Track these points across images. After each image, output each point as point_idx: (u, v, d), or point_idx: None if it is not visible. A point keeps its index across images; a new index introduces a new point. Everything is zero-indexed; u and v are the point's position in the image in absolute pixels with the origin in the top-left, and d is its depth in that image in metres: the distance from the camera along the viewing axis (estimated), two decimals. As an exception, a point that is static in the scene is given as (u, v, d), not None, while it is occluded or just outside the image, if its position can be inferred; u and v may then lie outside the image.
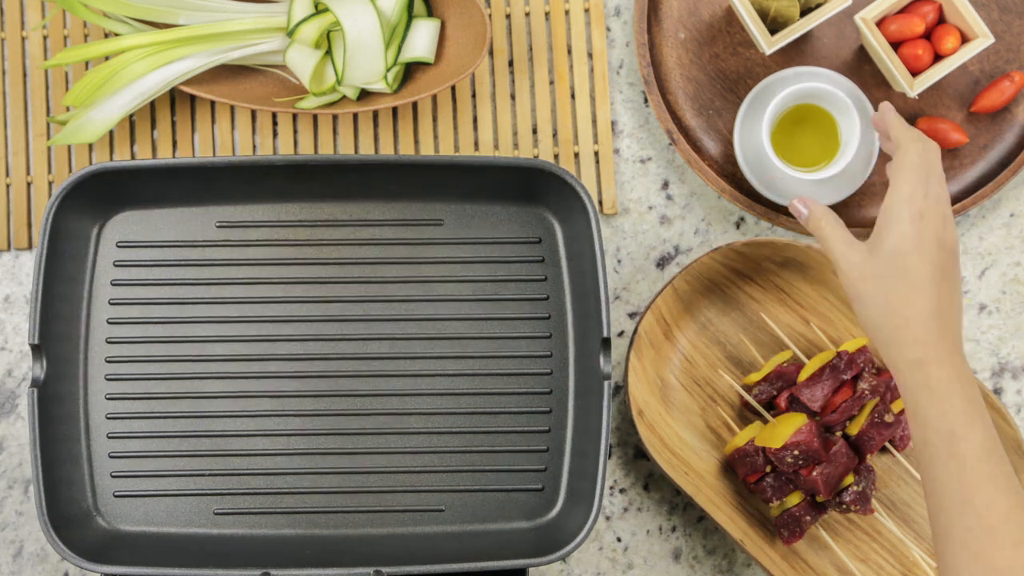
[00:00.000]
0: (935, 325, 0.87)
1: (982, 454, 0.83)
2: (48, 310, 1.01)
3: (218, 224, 1.07)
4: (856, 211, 1.11)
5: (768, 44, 1.06)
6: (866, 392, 1.01)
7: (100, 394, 1.05)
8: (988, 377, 1.11)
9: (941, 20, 1.07)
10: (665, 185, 1.13)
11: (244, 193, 1.06)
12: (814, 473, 0.99)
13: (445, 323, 1.06)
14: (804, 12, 1.07)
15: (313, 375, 1.06)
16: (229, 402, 1.05)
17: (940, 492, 0.84)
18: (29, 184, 1.11)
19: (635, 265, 1.11)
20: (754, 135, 1.09)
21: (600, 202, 1.12)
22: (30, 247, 1.11)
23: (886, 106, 0.96)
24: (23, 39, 1.13)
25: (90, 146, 1.12)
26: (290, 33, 1.06)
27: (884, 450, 1.07)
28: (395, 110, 1.12)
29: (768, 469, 1.03)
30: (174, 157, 1.12)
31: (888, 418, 1.02)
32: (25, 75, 1.12)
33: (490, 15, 1.12)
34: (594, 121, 1.12)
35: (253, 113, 1.12)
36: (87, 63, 1.11)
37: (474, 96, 1.13)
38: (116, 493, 1.04)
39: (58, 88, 1.12)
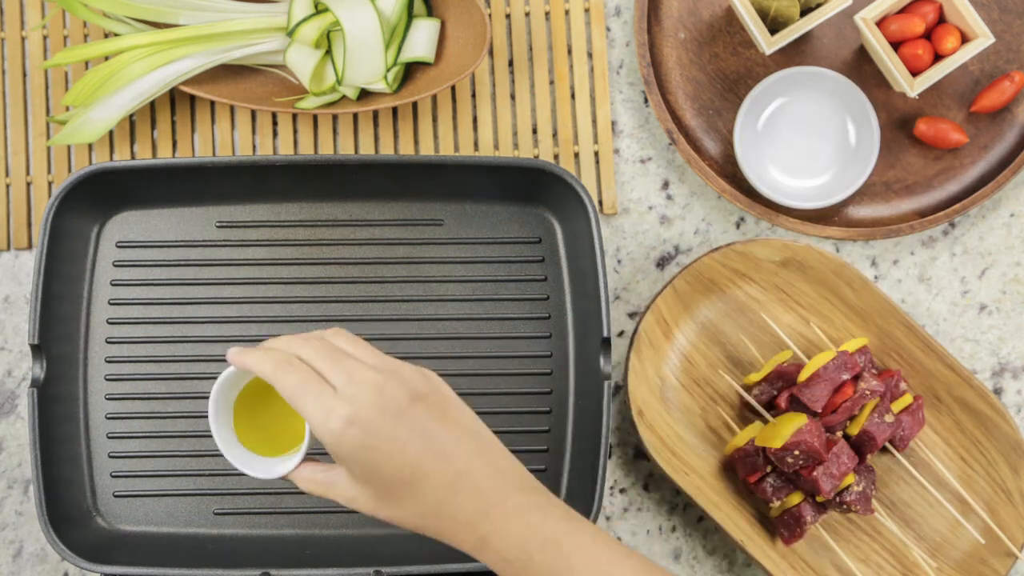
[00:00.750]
0: (483, 483, 0.77)
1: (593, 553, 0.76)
2: (48, 310, 1.01)
3: (218, 224, 1.07)
4: (855, 211, 1.11)
5: (768, 44, 1.06)
6: (866, 392, 1.01)
7: (100, 394, 1.05)
8: (988, 377, 1.11)
9: (941, 20, 1.07)
10: (665, 185, 1.13)
11: (244, 193, 1.06)
12: (814, 473, 0.99)
13: (445, 323, 1.06)
14: (804, 12, 1.07)
15: (313, 375, 1.06)
16: (229, 402, 1.05)
17: None
18: (29, 184, 1.11)
19: (635, 265, 1.11)
20: (754, 135, 1.09)
21: (600, 202, 1.12)
22: (30, 247, 1.11)
23: (232, 356, 0.81)
24: (23, 39, 1.12)
25: (90, 146, 1.12)
26: (290, 33, 1.06)
27: (884, 450, 1.07)
28: (395, 110, 1.12)
29: (768, 469, 1.03)
30: (174, 157, 1.11)
31: (888, 418, 1.02)
32: (25, 75, 1.12)
33: (490, 15, 1.12)
34: (594, 121, 1.12)
35: (253, 113, 1.12)
36: (87, 63, 1.11)
37: (474, 96, 1.13)
38: (116, 493, 1.04)
39: (58, 88, 1.12)
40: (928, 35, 1.07)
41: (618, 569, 0.76)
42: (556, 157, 1.12)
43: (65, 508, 1.00)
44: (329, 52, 1.07)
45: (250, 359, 0.79)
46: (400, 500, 0.77)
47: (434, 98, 1.12)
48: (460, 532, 0.78)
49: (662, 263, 1.12)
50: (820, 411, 1.02)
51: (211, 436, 1.04)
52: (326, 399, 0.76)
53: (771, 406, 1.05)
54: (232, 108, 1.12)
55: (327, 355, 0.78)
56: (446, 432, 0.77)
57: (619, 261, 1.11)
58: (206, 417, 1.04)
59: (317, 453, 0.81)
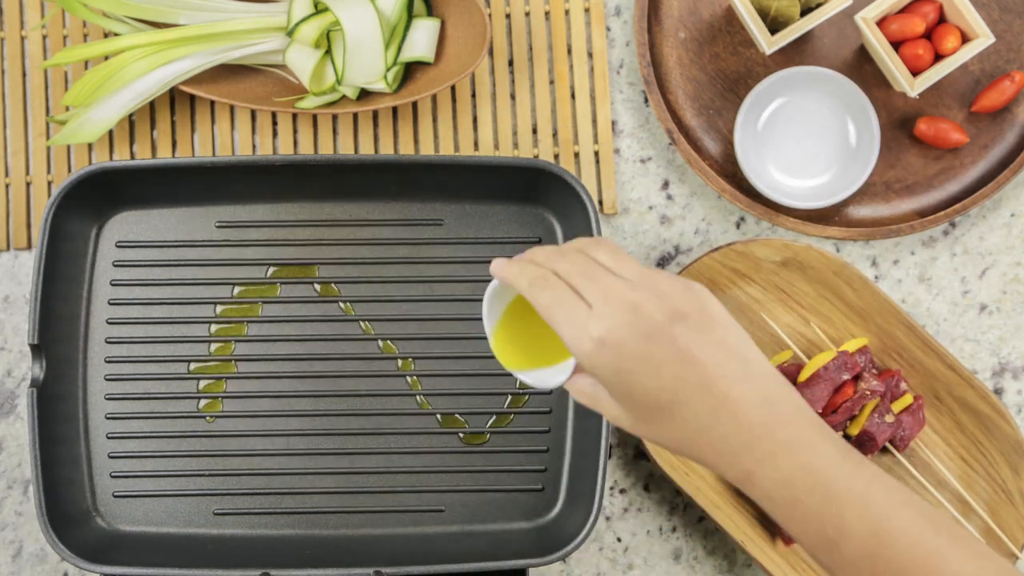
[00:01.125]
0: (754, 411, 0.71)
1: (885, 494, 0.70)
2: (47, 310, 1.00)
3: (218, 224, 1.07)
4: (855, 211, 1.11)
5: (768, 44, 1.06)
6: (867, 392, 1.01)
7: (100, 394, 1.05)
8: (989, 377, 1.11)
9: (942, 20, 1.07)
10: (665, 185, 1.12)
11: (244, 193, 1.06)
12: (814, 473, 0.99)
13: (445, 323, 1.06)
14: (804, 12, 1.07)
15: (313, 375, 1.06)
16: (229, 402, 1.05)
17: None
18: (28, 184, 1.11)
19: (635, 265, 1.11)
20: (754, 135, 1.09)
21: (600, 202, 1.12)
22: (29, 247, 1.10)
23: (495, 267, 0.80)
24: (22, 39, 1.12)
25: (89, 146, 1.12)
26: (290, 33, 1.06)
27: (885, 450, 1.07)
28: (395, 110, 1.12)
29: (768, 469, 1.03)
30: (174, 157, 1.11)
31: (888, 418, 1.02)
32: (24, 75, 1.12)
33: (490, 15, 1.12)
34: (594, 121, 1.12)
35: (253, 113, 1.12)
36: (86, 63, 1.11)
37: (474, 96, 1.13)
38: (116, 493, 1.04)
39: (57, 88, 1.12)
40: (928, 35, 1.07)
41: (892, 521, 0.70)
42: (556, 157, 1.12)
43: (65, 508, 1.00)
44: (329, 52, 1.07)
45: (508, 273, 0.77)
46: (659, 423, 0.73)
47: (434, 98, 1.12)
48: (722, 463, 0.73)
49: (662, 263, 1.12)
50: (820, 411, 1.01)
51: (211, 436, 1.05)
52: (579, 318, 0.72)
53: (771, 406, 1.05)
54: (232, 108, 1.12)
55: (584, 270, 0.74)
56: (707, 355, 0.71)
57: (619, 261, 1.11)
58: (206, 417, 1.05)
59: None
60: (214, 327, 1.06)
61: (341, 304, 1.07)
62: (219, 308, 1.06)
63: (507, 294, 0.82)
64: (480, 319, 1.06)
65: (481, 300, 1.06)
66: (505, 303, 0.83)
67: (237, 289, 1.07)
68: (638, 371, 0.72)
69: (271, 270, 1.07)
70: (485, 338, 1.05)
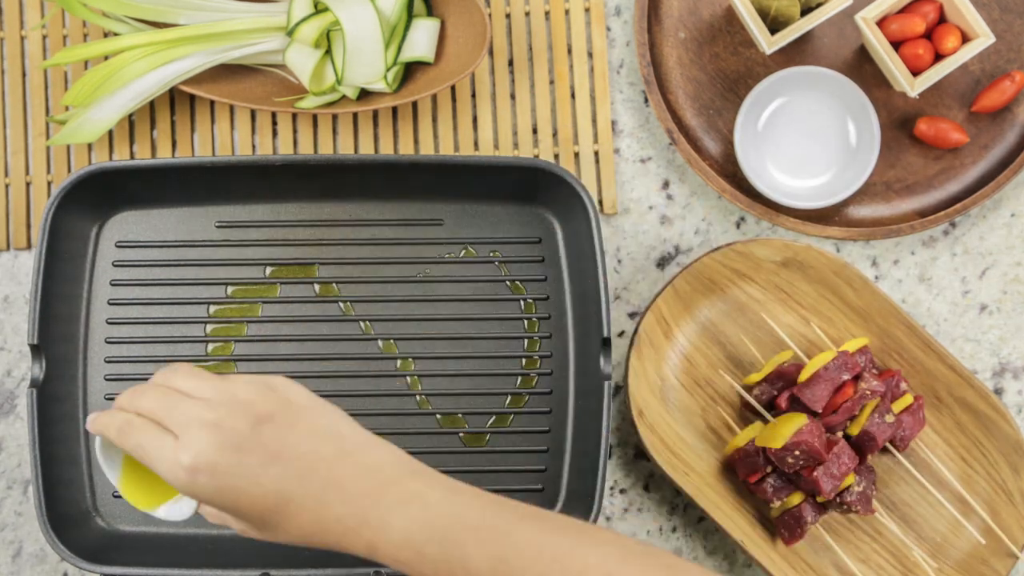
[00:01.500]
0: (329, 515, 0.73)
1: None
2: (47, 310, 1.00)
3: (217, 224, 1.07)
4: (855, 211, 1.11)
5: (768, 44, 1.06)
6: (867, 392, 1.01)
7: (99, 394, 1.04)
8: (989, 377, 1.11)
9: (942, 19, 1.07)
10: (665, 185, 1.12)
11: (244, 193, 1.06)
12: (815, 473, 0.99)
13: (445, 323, 1.06)
14: (804, 11, 1.07)
15: (313, 375, 1.05)
16: (229, 402, 1.05)
17: None
18: (28, 184, 1.11)
19: (635, 265, 1.11)
20: (755, 135, 1.09)
21: (600, 202, 1.11)
22: (29, 247, 1.10)
23: (90, 424, 0.80)
24: (22, 39, 1.12)
25: (89, 146, 1.12)
26: (290, 33, 1.06)
27: (885, 450, 1.07)
28: (395, 110, 1.12)
29: (769, 469, 1.03)
30: (173, 157, 1.11)
31: (889, 418, 1.02)
32: (24, 75, 1.12)
33: (490, 15, 1.12)
34: (594, 121, 1.12)
35: (252, 113, 1.12)
36: (86, 63, 1.11)
37: (474, 96, 1.13)
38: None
39: (57, 88, 1.12)
40: (929, 35, 1.07)
41: (513, 536, 0.71)
42: (556, 157, 1.12)
43: (64, 508, 1.00)
44: (329, 52, 1.07)
45: (99, 425, 0.78)
46: (278, 527, 0.75)
47: (434, 98, 1.12)
48: (346, 542, 0.74)
49: (662, 263, 1.12)
50: (820, 411, 1.01)
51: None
52: (167, 452, 0.73)
53: (771, 406, 1.05)
54: (232, 108, 1.12)
55: (163, 403, 0.75)
56: (300, 446, 0.73)
57: (619, 261, 1.11)
58: (206, 417, 1.05)
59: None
60: (214, 327, 1.06)
61: (341, 304, 1.06)
62: (219, 308, 1.06)
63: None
64: (481, 319, 1.06)
65: (481, 300, 1.07)
66: (119, 451, 0.83)
67: (237, 289, 1.06)
68: (239, 485, 0.72)
69: (271, 270, 1.07)
70: (485, 338, 1.06)
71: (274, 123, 1.12)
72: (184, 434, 0.73)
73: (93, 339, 1.05)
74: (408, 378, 1.06)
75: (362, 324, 1.06)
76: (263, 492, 0.73)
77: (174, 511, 0.81)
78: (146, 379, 1.04)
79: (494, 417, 1.05)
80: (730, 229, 1.12)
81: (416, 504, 0.72)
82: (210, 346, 1.06)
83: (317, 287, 1.07)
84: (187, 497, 0.78)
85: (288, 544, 0.75)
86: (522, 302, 1.07)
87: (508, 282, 1.07)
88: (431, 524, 0.72)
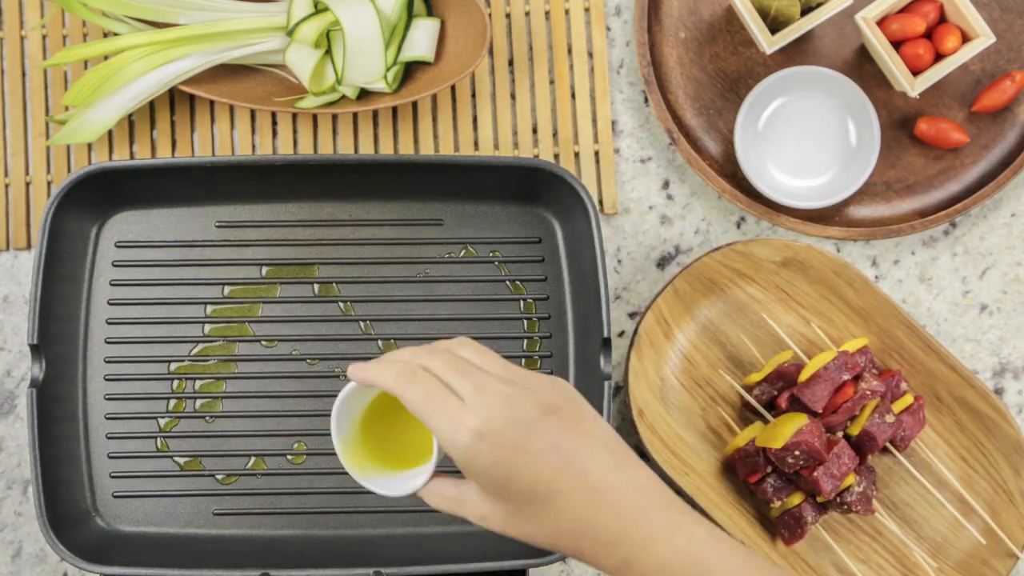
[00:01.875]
0: (623, 500, 0.72)
1: None
2: (47, 310, 1.00)
3: (217, 224, 1.07)
4: (855, 211, 1.11)
5: (769, 44, 1.06)
6: (867, 392, 1.01)
7: (99, 394, 1.04)
8: (989, 377, 1.11)
9: (942, 19, 1.07)
10: (665, 185, 1.12)
11: (243, 193, 1.06)
12: (815, 473, 0.99)
13: (445, 323, 1.06)
14: (805, 11, 1.07)
15: (313, 375, 1.05)
16: (228, 402, 1.05)
17: None
18: (28, 184, 1.11)
19: (635, 265, 1.11)
20: (755, 135, 1.09)
21: (600, 202, 1.11)
22: (29, 247, 1.10)
23: (352, 372, 0.78)
24: (22, 38, 1.12)
25: (89, 146, 1.12)
26: (290, 32, 1.06)
27: (885, 450, 1.07)
28: (395, 110, 1.12)
29: (769, 469, 1.03)
30: (173, 157, 1.11)
31: (889, 418, 1.02)
32: (24, 75, 1.12)
33: (490, 14, 1.12)
34: (594, 121, 1.12)
35: (252, 113, 1.12)
36: (86, 63, 1.11)
37: (474, 96, 1.13)
38: (115, 493, 1.04)
39: (57, 88, 1.12)
40: (929, 34, 1.07)
41: None
42: (556, 157, 1.12)
43: (64, 508, 1.00)
44: (329, 52, 1.07)
45: (372, 372, 0.76)
46: (534, 518, 0.73)
47: (434, 98, 1.12)
48: (600, 552, 0.73)
49: (662, 263, 1.11)
50: (821, 411, 1.01)
51: (211, 436, 1.05)
52: (454, 411, 0.71)
53: (772, 406, 1.05)
54: (231, 108, 1.12)
55: (454, 366, 0.74)
56: (581, 446, 0.72)
57: (619, 261, 1.11)
58: (205, 417, 1.05)
59: (448, 469, 0.76)
60: (214, 327, 1.06)
61: (341, 304, 1.06)
62: (218, 308, 1.06)
63: (359, 401, 0.81)
64: (481, 319, 1.06)
65: (481, 300, 1.06)
66: (356, 411, 0.81)
67: (237, 289, 1.06)
68: (516, 463, 0.71)
69: (270, 270, 1.07)
70: (485, 338, 1.06)
71: (274, 123, 1.12)
72: (475, 399, 0.72)
73: (93, 339, 1.05)
74: (408, 378, 1.05)
75: (362, 324, 1.06)
76: (537, 477, 0.72)
77: (393, 486, 0.79)
78: (146, 379, 1.05)
79: (494, 417, 1.05)
80: (730, 229, 1.12)
81: (681, 535, 0.72)
82: (211, 346, 1.05)
83: (317, 287, 1.07)
84: (421, 473, 0.77)
85: (533, 538, 0.74)
86: (522, 302, 1.07)
87: (508, 282, 1.07)
88: (692, 558, 0.71)
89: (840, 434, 1.03)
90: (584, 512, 0.72)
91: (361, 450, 0.81)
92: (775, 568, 0.73)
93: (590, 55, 1.13)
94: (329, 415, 1.05)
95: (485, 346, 0.77)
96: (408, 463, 0.80)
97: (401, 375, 0.74)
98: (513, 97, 1.13)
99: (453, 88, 1.12)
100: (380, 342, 1.06)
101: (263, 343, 1.06)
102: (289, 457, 1.05)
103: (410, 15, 1.08)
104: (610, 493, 0.72)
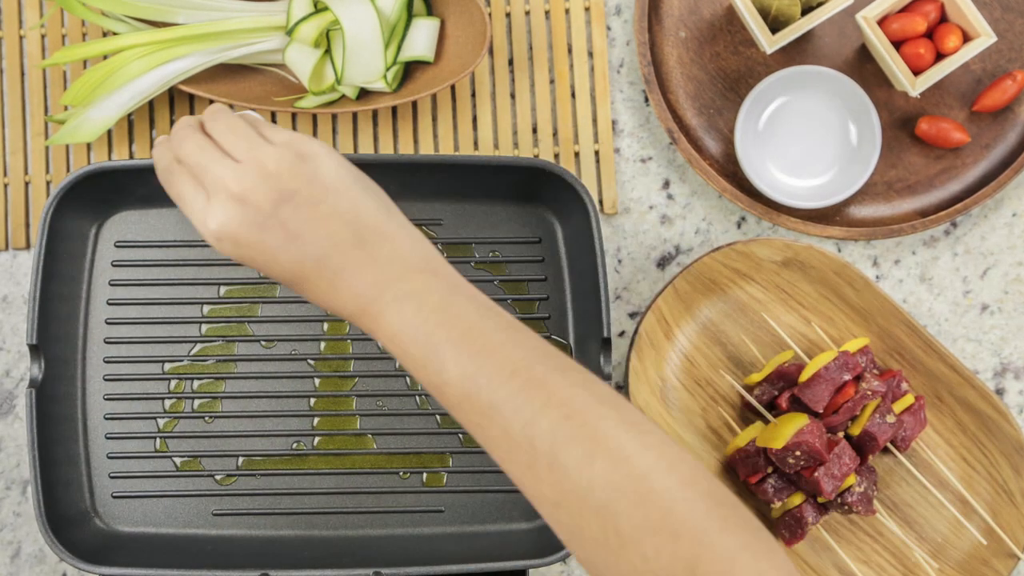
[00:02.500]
0: (341, 296, 0.75)
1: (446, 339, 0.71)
2: (46, 310, 1.00)
3: (217, 224, 1.07)
4: (856, 211, 1.11)
5: (769, 43, 1.05)
6: (868, 392, 1.01)
7: (98, 394, 1.04)
8: (990, 377, 1.10)
9: (943, 19, 1.07)
10: (666, 184, 1.12)
11: (243, 193, 1.06)
12: (816, 474, 0.99)
13: (445, 323, 1.06)
14: (805, 11, 1.06)
15: (312, 375, 1.05)
16: (228, 402, 1.05)
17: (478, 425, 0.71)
18: (27, 184, 1.11)
19: (636, 265, 1.11)
20: (755, 135, 1.09)
21: (600, 202, 1.11)
22: (28, 247, 1.10)
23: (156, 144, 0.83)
24: (21, 38, 1.12)
25: (88, 145, 1.11)
26: (289, 32, 1.06)
27: (886, 451, 1.07)
28: (394, 109, 1.12)
29: (769, 470, 1.03)
30: (173, 156, 1.11)
31: (890, 419, 1.01)
32: (23, 74, 1.12)
33: (490, 14, 1.11)
34: (594, 120, 1.12)
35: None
36: (85, 62, 1.11)
37: (474, 95, 1.12)
38: (114, 494, 1.03)
39: (56, 87, 1.11)
40: (930, 34, 1.07)
41: (488, 362, 0.71)
42: (556, 156, 1.12)
43: (63, 509, 1.00)
44: (328, 51, 1.07)
45: (155, 153, 0.80)
46: (302, 294, 0.77)
47: (434, 97, 1.12)
48: (358, 324, 0.76)
49: (663, 263, 1.11)
50: (821, 411, 1.01)
51: (210, 436, 1.04)
52: (199, 214, 0.76)
53: (772, 406, 1.05)
54: (231, 107, 1.12)
55: (200, 158, 0.76)
56: (318, 229, 0.74)
57: (619, 261, 1.11)
58: (205, 417, 1.05)
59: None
60: (213, 327, 1.06)
61: (340, 304, 1.06)
62: (218, 308, 1.06)
63: None
64: (480, 319, 1.06)
65: (481, 300, 1.06)
66: None
67: (236, 289, 1.06)
68: (258, 259, 0.75)
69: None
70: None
71: (273, 123, 1.12)
72: (212, 199, 0.75)
73: (92, 339, 1.05)
74: (408, 378, 1.05)
75: (362, 324, 1.06)
76: (281, 268, 0.75)
77: None
78: (145, 379, 1.04)
79: (494, 417, 1.05)
80: (731, 229, 1.12)
81: (411, 304, 0.73)
82: (210, 346, 1.05)
83: (317, 287, 1.06)
84: None
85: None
86: (522, 303, 1.06)
87: (508, 282, 1.07)
88: (418, 327, 0.73)
89: (841, 434, 1.03)
90: (330, 292, 0.75)
91: None
92: (498, 312, 0.74)
93: (590, 54, 1.13)
94: (329, 416, 1.06)
95: (232, 114, 0.79)
96: None
97: (163, 171, 0.79)
98: (513, 97, 1.12)
99: (453, 88, 1.12)
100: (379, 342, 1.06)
101: (262, 343, 1.06)
102: (289, 457, 1.04)
103: (410, 14, 1.07)
104: (347, 272, 0.74)
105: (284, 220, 0.74)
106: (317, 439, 1.05)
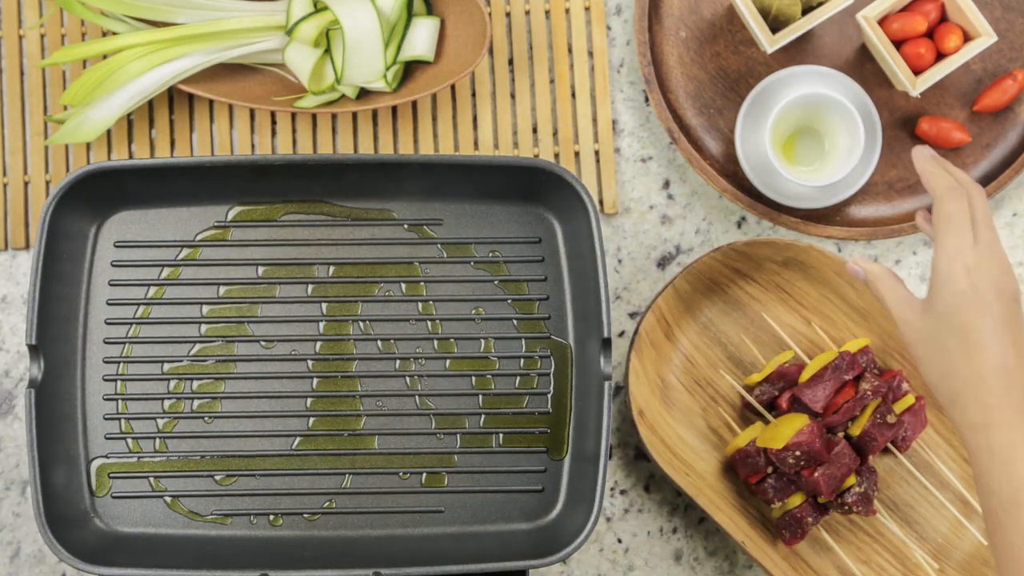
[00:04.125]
0: (998, 384, 0.81)
1: None
2: (45, 310, 1.00)
3: (216, 224, 1.07)
4: (857, 211, 1.11)
5: (769, 43, 1.05)
6: (868, 393, 1.01)
7: (97, 394, 1.04)
8: (990, 377, 1.10)
9: (943, 18, 1.07)
10: (666, 184, 1.12)
11: (243, 193, 1.06)
12: (816, 474, 0.99)
13: (445, 323, 1.06)
14: (806, 10, 1.06)
15: (312, 375, 1.05)
16: (227, 402, 1.05)
17: (1010, 563, 0.79)
18: (26, 184, 1.11)
19: (636, 265, 1.11)
20: (755, 134, 1.09)
21: (601, 201, 1.11)
22: (27, 247, 1.10)
23: (920, 153, 0.90)
24: (20, 38, 1.12)
25: (88, 145, 1.11)
26: (289, 32, 1.05)
27: (886, 451, 1.07)
28: (394, 109, 1.12)
29: (769, 470, 1.03)
30: (172, 156, 1.11)
31: (890, 419, 1.01)
32: (23, 74, 1.12)
33: (490, 13, 1.11)
34: (595, 120, 1.12)
35: (252, 112, 1.12)
36: (85, 62, 1.11)
37: (474, 95, 1.12)
38: (114, 494, 1.03)
39: (56, 87, 1.11)
40: (930, 34, 1.06)
41: None
42: (556, 156, 1.12)
43: (63, 509, 1.00)
44: (328, 51, 1.07)
45: (931, 168, 0.88)
46: (943, 352, 0.83)
47: (434, 97, 1.12)
48: (965, 433, 0.82)
49: (663, 263, 1.11)
50: (821, 412, 1.01)
51: (210, 436, 1.04)
52: (965, 242, 0.84)
53: (772, 406, 1.05)
54: (231, 107, 1.12)
55: (983, 211, 0.85)
56: (1016, 334, 0.83)
57: (620, 261, 1.11)
58: (204, 418, 1.04)
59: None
60: (213, 327, 1.06)
61: (341, 304, 1.06)
62: (217, 308, 1.06)
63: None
64: (481, 319, 1.06)
65: (481, 300, 1.06)
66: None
67: (236, 289, 1.06)
68: (966, 312, 0.83)
69: (269, 270, 1.06)
70: (485, 338, 1.06)
71: (273, 122, 1.12)
72: (985, 250, 0.84)
73: (91, 339, 1.05)
74: (408, 378, 1.05)
75: (361, 324, 1.06)
76: (979, 327, 0.82)
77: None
78: (144, 379, 1.04)
79: (494, 417, 1.05)
80: (731, 229, 1.12)
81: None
82: (210, 346, 1.05)
83: (317, 287, 1.06)
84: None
85: (922, 365, 0.86)
86: (522, 303, 1.06)
87: (508, 282, 1.07)
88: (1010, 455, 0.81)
89: (841, 434, 1.02)
90: (980, 375, 0.82)
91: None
92: None
93: (590, 54, 1.12)
94: (329, 416, 1.05)
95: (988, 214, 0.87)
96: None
97: (952, 189, 0.86)
98: (513, 96, 1.12)
99: (453, 87, 1.12)
100: (380, 342, 1.06)
101: (262, 343, 1.06)
102: (289, 457, 1.04)
103: (410, 14, 1.07)
104: (985, 385, 0.82)
105: (1003, 312, 0.83)
106: (317, 439, 1.05)
